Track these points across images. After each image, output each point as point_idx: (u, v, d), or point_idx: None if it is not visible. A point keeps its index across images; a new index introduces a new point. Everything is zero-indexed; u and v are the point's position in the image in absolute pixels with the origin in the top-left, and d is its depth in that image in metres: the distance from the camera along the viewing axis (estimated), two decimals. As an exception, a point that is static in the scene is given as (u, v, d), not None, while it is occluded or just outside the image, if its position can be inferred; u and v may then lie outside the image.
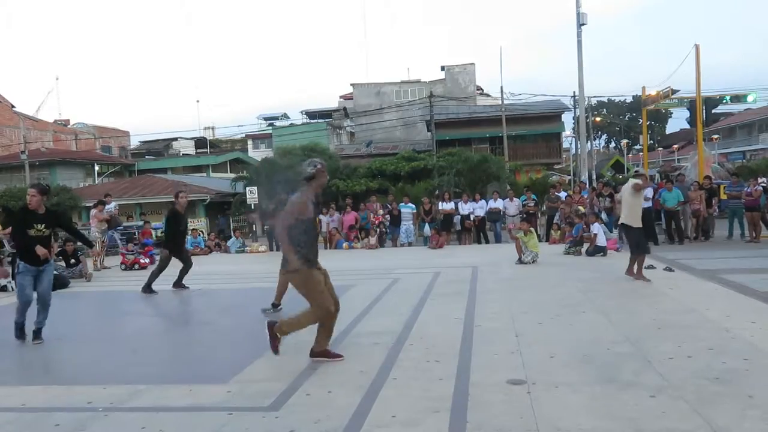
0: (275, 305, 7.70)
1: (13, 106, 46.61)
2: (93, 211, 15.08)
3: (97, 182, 39.13)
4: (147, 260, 14.66)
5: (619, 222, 9.83)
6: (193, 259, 10.85)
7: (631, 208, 9.23)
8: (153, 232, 18.81)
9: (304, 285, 5.23)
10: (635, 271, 9.12)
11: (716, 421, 3.69)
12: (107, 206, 15.83)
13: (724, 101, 27.67)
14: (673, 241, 14.82)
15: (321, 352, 5.35)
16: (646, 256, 9.25)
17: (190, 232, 18.83)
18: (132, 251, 15.07)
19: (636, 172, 9.76)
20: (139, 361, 6.05)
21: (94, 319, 7.95)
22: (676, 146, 61.21)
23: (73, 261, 12.74)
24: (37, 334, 6.73)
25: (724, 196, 16.79)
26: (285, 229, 5.14)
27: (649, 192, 14.98)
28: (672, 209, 14.85)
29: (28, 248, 6.56)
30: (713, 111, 58.07)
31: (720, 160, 42.54)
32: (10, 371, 5.73)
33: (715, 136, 54.59)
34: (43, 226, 6.67)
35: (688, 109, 28.41)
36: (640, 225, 9.32)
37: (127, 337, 7.23)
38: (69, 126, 53.89)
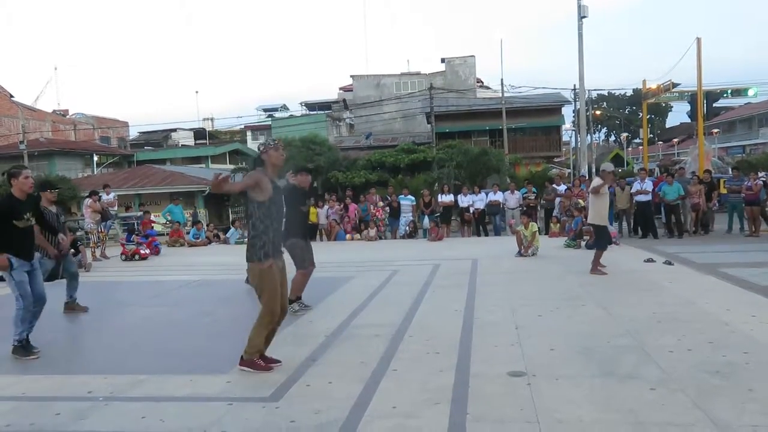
0: (297, 299, 7.34)
1: (11, 96, 46.42)
2: (87, 201, 14.99)
3: (96, 172, 39.03)
4: (148, 251, 14.62)
5: (588, 221, 10.06)
6: (193, 249, 10.81)
7: (593, 206, 9.45)
8: (152, 223, 18.75)
9: (260, 279, 4.92)
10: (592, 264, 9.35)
11: (716, 414, 3.70)
12: (106, 196, 15.79)
13: (725, 95, 27.64)
14: (672, 234, 14.82)
15: (249, 362, 4.94)
16: (603, 252, 9.43)
17: (194, 225, 18.85)
18: (132, 241, 15.03)
19: (602, 170, 9.65)
20: (138, 351, 6.06)
21: (93, 310, 7.93)
22: (676, 140, 61.21)
23: (72, 251, 12.71)
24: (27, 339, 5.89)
25: (724, 191, 16.77)
26: (236, 186, 4.78)
27: (648, 185, 15.02)
28: (672, 203, 14.84)
29: (21, 242, 5.81)
30: (714, 105, 58.01)
31: (720, 154, 42.54)
32: (10, 360, 5.72)
33: (715, 130, 54.55)
34: (30, 214, 5.96)
35: (688, 102, 28.32)
36: (606, 224, 9.60)
37: (126, 327, 7.23)
38: (68, 116, 53.73)
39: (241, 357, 5.00)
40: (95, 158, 42.12)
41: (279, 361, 5.07)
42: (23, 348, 5.80)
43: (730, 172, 18.83)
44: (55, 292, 7.28)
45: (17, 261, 5.79)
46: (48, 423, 4.04)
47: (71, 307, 7.90)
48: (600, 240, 9.52)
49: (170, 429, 3.86)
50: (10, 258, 5.74)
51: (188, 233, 18.17)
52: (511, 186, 17.99)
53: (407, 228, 17.34)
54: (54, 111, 52.78)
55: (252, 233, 4.91)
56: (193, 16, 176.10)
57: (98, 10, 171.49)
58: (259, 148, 5.18)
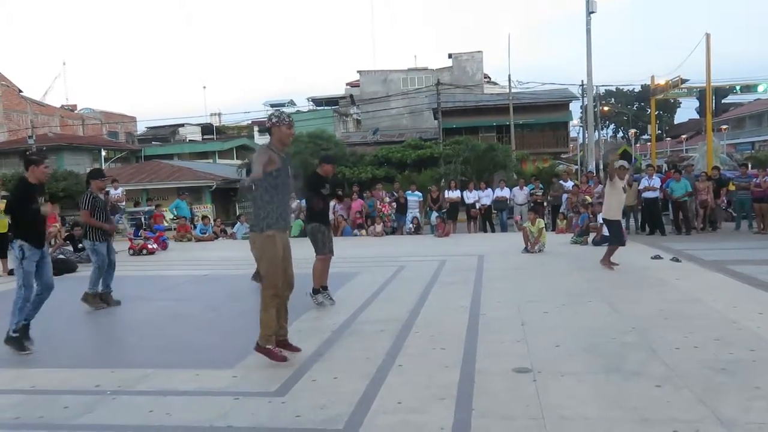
0: (323, 289, 7.31)
1: (20, 91, 46.69)
2: None
3: (103, 167, 39.22)
4: (155, 245, 14.69)
5: (602, 216, 10.09)
6: (200, 245, 10.85)
7: (606, 201, 9.61)
8: (164, 217, 18.84)
9: (260, 248, 4.87)
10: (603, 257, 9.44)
11: (722, 411, 3.69)
12: (114, 191, 15.87)
13: (734, 91, 27.45)
14: (680, 231, 14.76)
15: (265, 350, 4.93)
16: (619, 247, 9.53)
17: (201, 220, 18.92)
18: (140, 236, 15.11)
19: (620, 166, 9.74)
20: (145, 345, 6.09)
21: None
22: (684, 136, 60.82)
23: (81, 245, 12.80)
24: (28, 328, 5.87)
25: (732, 187, 16.67)
26: (250, 182, 4.74)
27: (656, 182, 14.96)
28: (679, 199, 14.77)
29: (34, 227, 5.84)
30: (723, 101, 57.58)
31: (729, 150, 42.26)
32: (18, 354, 5.76)
33: (724, 127, 54.18)
34: (42, 199, 6.04)
35: (697, 98, 28.14)
36: (619, 218, 9.73)
37: (133, 321, 7.28)
38: (76, 111, 54.00)
39: (257, 342, 5.00)
40: (103, 153, 42.36)
41: (299, 349, 5.13)
42: (17, 341, 5.72)
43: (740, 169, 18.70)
44: (66, 285, 7.32)
45: (29, 250, 5.79)
46: (56, 416, 4.08)
47: (106, 300, 7.88)
48: (613, 235, 9.51)
49: (177, 423, 3.88)
50: (22, 246, 5.75)
51: (195, 228, 18.24)
52: (521, 182, 18.02)
53: (412, 225, 17.35)
54: (62, 106, 53.04)
55: (257, 203, 4.86)
56: (201, 11, 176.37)
57: (107, 4, 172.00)
58: (270, 119, 5.08)
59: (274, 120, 5.02)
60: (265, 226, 4.84)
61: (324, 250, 7.27)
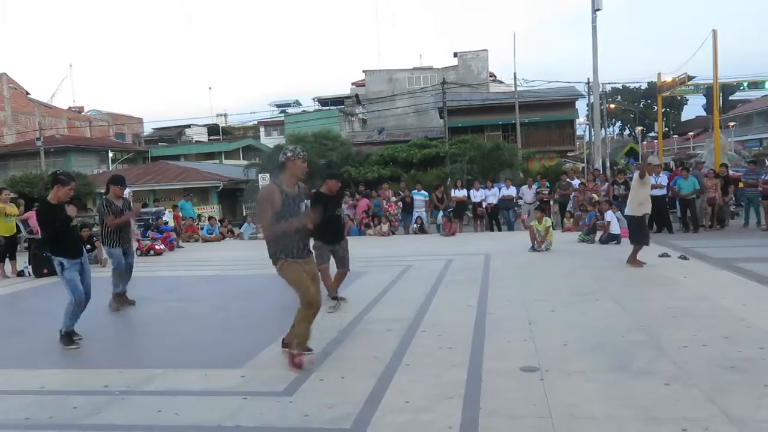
0: (335, 298, 7.37)
1: (28, 93, 46.94)
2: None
3: (111, 169, 39.39)
4: (162, 246, 14.74)
5: (625, 213, 9.87)
6: (208, 245, 10.88)
7: (631, 197, 9.44)
8: (182, 217, 18.90)
9: (284, 276, 5.02)
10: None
11: (731, 409, 3.68)
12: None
13: (742, 88, 27.25)
14: (687, 229, 14.69)
15: (291, 354, 4.94)
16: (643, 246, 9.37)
17: (208, 220, 18.99)
18: (147, 237, 15.17)
19: (648, 162, 9.78)
20: (154, 345, 6.12)
21: (108, 305, 8.02)
22: (691, 133, 60.52)
23: (88, 247, 12.86)
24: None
25: (741, 185, 16.57)
26: (268, 228, 4.96)
27: (664, 180, 14.88)
28: (687, 197, 14.70)
29: (68, 242, 6.19)
30: (730, 98, 57.27)
31: (736, 147, 42.02)
32: (29, 354, 5.81)
33: (732, 124, 53.87)
34: (64, 204, 6.34)
35: (704, 95, 27.99)
36: (642, 214, 9.45)
37: (141, 322, 7.32)
38: (83, 113, 54.23)
39: (290, 343, 5.00)
40: (110, 154, 42.56)
41: (311, 350, 5.13)
42: (68, 336, 6.08)
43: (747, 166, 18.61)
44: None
45: (67, 262, 6.12)
46: (66, 416, 4.11)
47: (123, 300, 8.05)
48: (638, 233, 9.36)
49: (185, 423, 3.90)
50: (61, 262, 6.09)
51: (202, 228, 18.30)
52: (529, 181, 18.01)
53: (416, 225, 17.35)
54: (70, 108, 53.29)
55: (267, 239, 5.02)
56: (206, 12, 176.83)
57: (113, 7, 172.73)
58: (285, 152, 5.16)
59: (289, 154, 5.11)
60: (275, 261, 5.00)
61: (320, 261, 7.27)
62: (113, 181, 8.30)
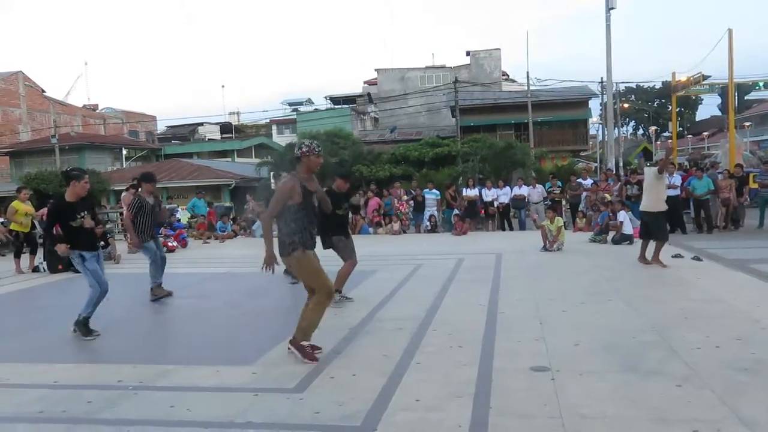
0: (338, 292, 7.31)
1: (43, 91, 47.44)
2: (124, 194, 15.28)
3: (124, 166, 39.71)
4: (175, 243, 14.83)
5: (641, 209, 9.73)
6: (219, 243, 10.86)
7: (648, 193, 9.38)
8: (217, 215, 19.05)
9: (300, 269, 5.11)
10: (651, 256, 9.24)
11: (743, 411, 3.65)
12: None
13: (757, 87, 27.01)
14: (701, 230, 14.57)
15: (299, 347, 5.02)
16: (665, 243, 9.34)
17: (221, 218, 19.08)
18: (160, 234, 15.25)
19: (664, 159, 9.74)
20: (166, 341, 6.18)
21: (122, 301, 8.09)
22: (706, 133, 59.97)
23: (102, 243, 12.96)
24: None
25: (754, 185, 16.41)
26: (269, 218, 5.10)
27: (677, 180, 14.76)
28: (701, 197, 14.57)
29: (84, 237, 6.25)
30: (745, 97, 56.67)
31: (751, 147, 41.58)
32: (42, 349, 5.88)
33: (747, 124, 53.33)
34: (83, 213, 6.36)
35: (719, 95, 27.74)
36: (664, 209, 9.38)
37: (154, 318, 7.38)
38: (97, 111, 54.71)
39: (294, 337, 5.06)
40: (124, 152, 42.90)
41: (320, 348, 5.17)
42: (85, 326, 6.19)
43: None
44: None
45: (87, 253, 6.25)
46: (79, 410, 4.15)
47: (161, 291, 8.23)
48: (657, 230, 9.25)
49: (197, 418, 3.93)
50: (81, 254, 6.21)
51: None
52: (533, 181, 17.88)
53: (428, 223, 17.34)
54: (84, 106, 53.79)
55: (283, 230, 5.03)
56: (220, 11, 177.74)
57: (128, 5, 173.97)
58: (300, 147, 5.21)
59: (304, 149, 5.16)
60: (291, 250, 5.02)
61: (352, 255, 7.45)
62: (144, 178, 8.44)
